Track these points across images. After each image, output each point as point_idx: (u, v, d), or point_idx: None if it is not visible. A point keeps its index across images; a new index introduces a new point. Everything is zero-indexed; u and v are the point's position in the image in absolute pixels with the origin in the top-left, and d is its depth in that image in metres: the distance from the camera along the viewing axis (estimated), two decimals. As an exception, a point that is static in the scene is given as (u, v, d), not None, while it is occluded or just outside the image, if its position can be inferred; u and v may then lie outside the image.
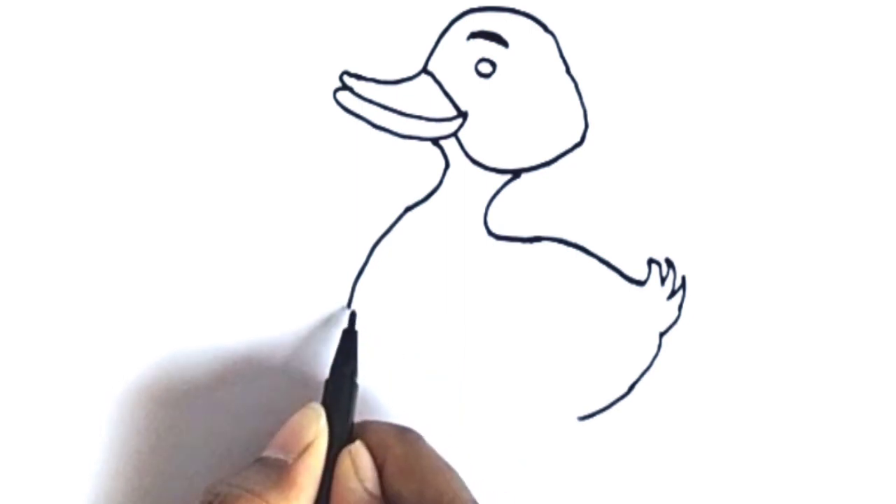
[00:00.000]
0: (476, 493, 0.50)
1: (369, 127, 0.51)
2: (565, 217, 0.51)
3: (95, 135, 0.50)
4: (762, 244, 0.52)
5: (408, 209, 0.51)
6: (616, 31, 0.51)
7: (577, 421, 0.51)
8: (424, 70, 0.51)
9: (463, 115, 0.51)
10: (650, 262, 0.51)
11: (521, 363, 0.51)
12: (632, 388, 0.51)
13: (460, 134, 0.51)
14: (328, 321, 0.50)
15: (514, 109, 0.51)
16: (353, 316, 0.50)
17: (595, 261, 0.51)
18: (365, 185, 0.50)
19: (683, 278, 0.51)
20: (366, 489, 0.46)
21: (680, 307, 0.51)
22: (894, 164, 0.52)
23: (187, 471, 0.49)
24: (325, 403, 0.47)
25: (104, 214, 0.50)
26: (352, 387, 0.48)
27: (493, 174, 0.51)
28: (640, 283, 0.51)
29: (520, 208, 0.51)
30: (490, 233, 0.51)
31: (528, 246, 0.51)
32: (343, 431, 0.47)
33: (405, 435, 0.47)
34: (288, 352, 0.50)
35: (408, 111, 0.51)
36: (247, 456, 0.48)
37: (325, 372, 0.48)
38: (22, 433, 0.49)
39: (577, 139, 0.51)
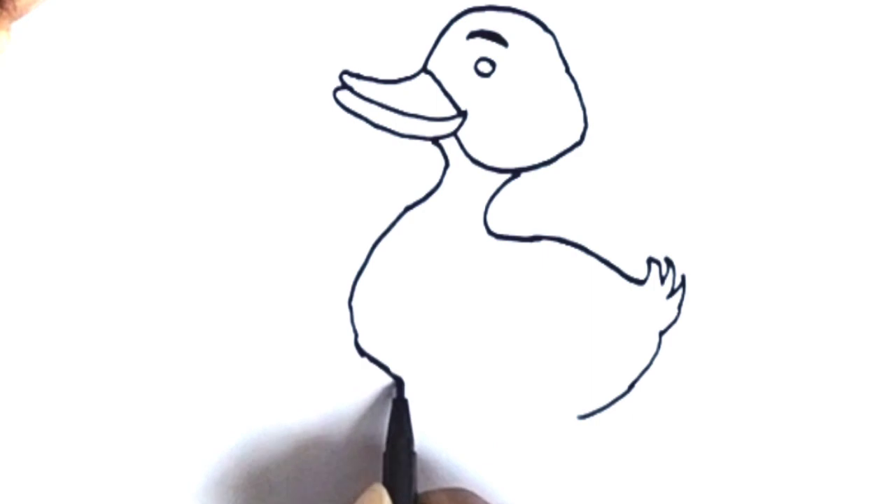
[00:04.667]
0: (475, 492, 0.50)
1: (369, 126, 0.51)
2: (565, 216, 0.51)
3: (93, 135, 0.50)
4: (762, 244, 0.52)
5: (407, 208, 0.51)
6: (616, 31, 0.51)
7: (577, 420, 0.51)
8: (424, 69, 0.51)
9: (463, 114, 0.51)
10: (650, 261, 0.51)
11: (521, 362, 0.51)
12: (632, 386, 0.51)
13: (460, 133, 0.51)
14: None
15: (514, 109, 0.51)
16: (400, 384, 0.50)
17: (595, 260, 0.51)
18: (365, 185, 0.50)
19: (683, 277, 0.51)
20: None
21: (679, 306, 0.51)
22: (894, 164, 0.52)
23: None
24: (385, 481, 0.47)
25: (103, 223, 0.50)
26: (410, 457, 0.48)
27: (492, 173, 0.51)
28: (640, 282, 0.51)
29: (520, 207, 0.51)
30: (490, 232, 0.51)
31: (527, 245, 0.51)
32: None
33: (457, 495, 0.47)
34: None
35: (407, 110, 0.51)
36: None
37: (380, 440, 0.49)
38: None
39: (577, 138, 0.51)
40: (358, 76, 0.51)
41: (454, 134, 0.51)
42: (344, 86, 0.50)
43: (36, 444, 0.50)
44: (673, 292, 0.51)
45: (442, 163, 0.51)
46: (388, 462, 0.48)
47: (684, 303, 0.51)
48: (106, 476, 0.50)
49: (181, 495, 0.50)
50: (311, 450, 0.50)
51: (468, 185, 0.51)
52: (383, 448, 0.49)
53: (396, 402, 0.50)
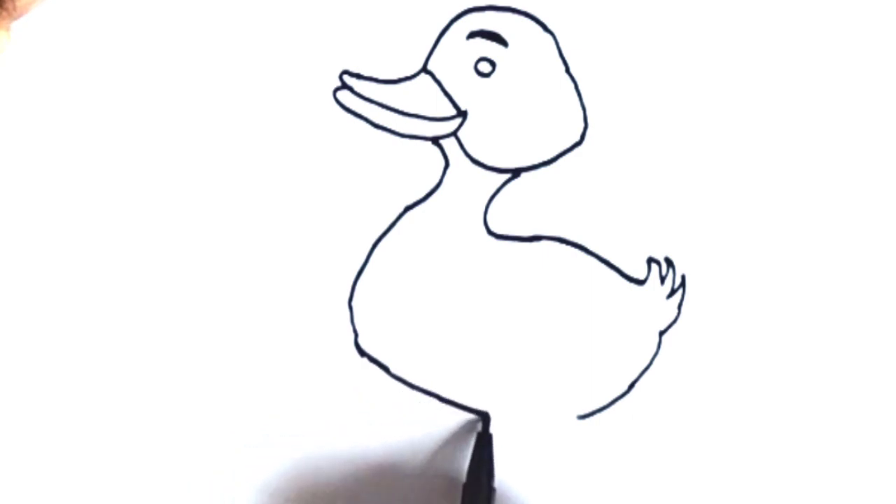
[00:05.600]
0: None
1: (369, 126, 0.51)
2: (565, 216, 0.51)
3: (93, 135, 0.50)
4: (762, 244, 0.52)
5: (407, 208, 0.51)
6: (616, 31, 0.51)
7: (576, 419, 0.51)
8: (424, 69, 0.51)
9: (462, 114, 0.51)
10: (650, 261, 0.51)
11: (521, 362, 0.51)
12: (631, 386, 0.51)
13: (460, 133, 0.51)
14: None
15: (514, 109, 0.51)
16: (486, 419, 0.50)
17: (595, 260, 0.51)
18: (365, 185, 0.51)
19: (683, 277, 0.51)
20: None
21: (679, 306, 0.51)
22: (894, 164, 0.52)
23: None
24: None
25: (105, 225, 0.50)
26: (490, 492, 0.48)
27: (492, 173, 0.51)
28: (640, 282, 0.51)
29: (519, 207, 0.51)
30: (490, 232, 0.51)
31: (527, 245, 0.51)
32: None
33: None
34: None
35: (407, 110, 0.51)
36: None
37: (461, 474, 0.49)
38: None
39: (577, 138, 0.51)
40: (358, 76, 0.51)
41: (454, 134, 0.51)
42: (344, 86, 0.50)
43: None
44: (673, 292, 0.51)
45: (442, 163, 0.51)
46: (467, 495, 0.48)
47: (684, 303, 0.51)
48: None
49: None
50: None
51: (468, 185, 0.51)
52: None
53: (481, 436, 0.49)
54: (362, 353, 0.50)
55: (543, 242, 0.51)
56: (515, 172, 0.51)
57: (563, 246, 0.51)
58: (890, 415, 0.52)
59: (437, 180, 0.51)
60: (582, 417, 0.51)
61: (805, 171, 0.52)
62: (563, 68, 0.51)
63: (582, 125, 0.51)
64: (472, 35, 0.51)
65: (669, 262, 0.51)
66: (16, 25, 0.48)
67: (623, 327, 0.51)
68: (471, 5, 0.51)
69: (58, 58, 0.50)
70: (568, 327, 0.51)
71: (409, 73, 0.51)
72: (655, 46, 0.51)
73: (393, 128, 0.51)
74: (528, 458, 0.50)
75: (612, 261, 0.51)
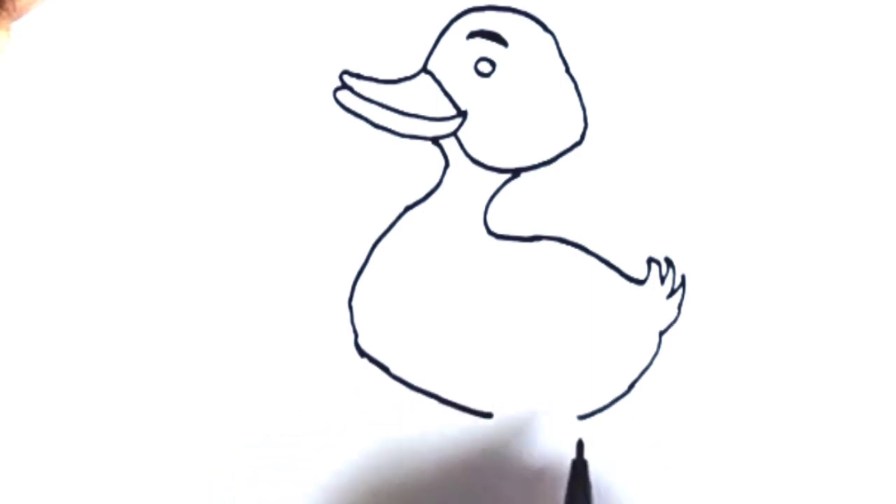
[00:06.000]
0: (476, 493, 0.50)
1: (369, 126, 0.51)
2: (565, 216, 0.51)
3: (93, 135, 0.50)
4: (762, 243, 0.52)
5: (407, 208, 0.51)
6: (616, 30, 0.51)
7: (576, 420, 0.51)
8: (424, 69, 0.51)
9: (462, 114, 0.51)
10: (650, 261, 0.51)
11: (521, 362, 0.51)
12: (632, 386, 0.51)
13: (460, 133, 0.51)
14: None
15: (514, 109, 0.51)
16: (580, 445, 0.50)
17: (595, 260, 0.51)
18: (365, 185, 0.51)
19: (683, 277, 0.51)
20: None
21: (679, 306, 0.51)
22: (894, 164, 0.52)
23: None
24: None
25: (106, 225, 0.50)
26: None
27: (492, 173, 0.51)
28: (640, 282, 0.51)
29: (519, 207, 0.51)
30: (490, 232, 0.51)
31: (527, 245, 0.51)
32: None
33: None
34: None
35: (407, 110, 0.51)
36: None
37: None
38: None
39: (577, 138, 0.51)
40: (358, 76, 0.51)
41: (454, 134, 0.51)
42: (344, 86, 0.51)
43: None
44: (673, 292, 0.51)
45: (442, 163, 0.51)
46: None
47: (684, 303, 0.51)
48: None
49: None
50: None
51: (468, 185, 0.51)
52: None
53: (576, 462, 0.49)
54: (362, 353, 0.50)
55: (543, 242, 0.51)
56: (515, 172, 0.51)
57: (563, 246, 0.51)
58: (890, 414, 0.52)
59: (437, 180, 0.51)
60: (582, 417, 0.51)
61: (804, 171, 0.52)
62: (563, 68, 0.51)
63: (582, 125, 0.51)
64: (472, 35, 0.51)
65: (669, 262, 0.51)
66: (16, 25, 0.48)
67: (623, 327, 0.51)
68: (471, 5, 0.51)
69: (58, 58, 0.50)
70: (568, 327, 0.51)
71: (409, 73, 0.51)
72: (655, 47, 0.51)
73: (393, 128, 0.51)
74: (530, 458, 0.50)
75: (612, 261, 0.51)
